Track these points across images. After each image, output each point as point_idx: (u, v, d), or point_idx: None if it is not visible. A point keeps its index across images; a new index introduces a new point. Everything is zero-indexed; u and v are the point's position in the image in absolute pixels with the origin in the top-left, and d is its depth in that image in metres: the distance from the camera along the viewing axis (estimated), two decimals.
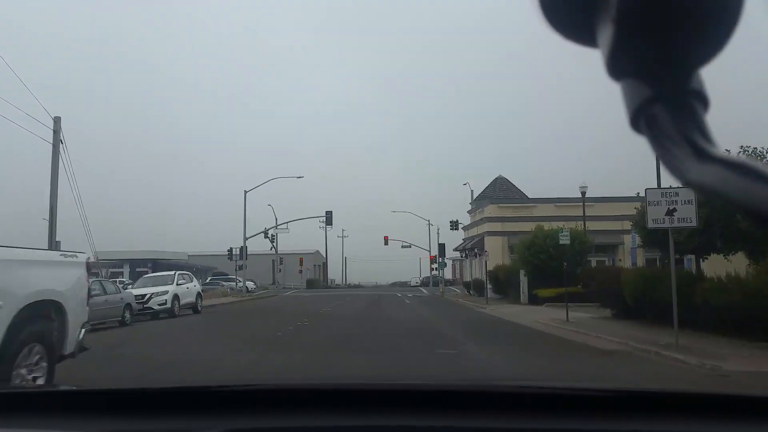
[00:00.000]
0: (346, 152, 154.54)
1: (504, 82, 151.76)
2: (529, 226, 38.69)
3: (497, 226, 40.72)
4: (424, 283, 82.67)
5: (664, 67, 0.53)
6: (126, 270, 73.29)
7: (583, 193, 31.48)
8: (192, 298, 24.85)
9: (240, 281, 52.41)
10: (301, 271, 76.49)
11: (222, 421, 1.60)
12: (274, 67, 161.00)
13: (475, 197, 50.57)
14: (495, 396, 1.71)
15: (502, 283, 34.15)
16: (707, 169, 0.50)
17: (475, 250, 45.04)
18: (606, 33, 0.53)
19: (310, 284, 79.37)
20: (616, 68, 0.55)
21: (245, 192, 52.92)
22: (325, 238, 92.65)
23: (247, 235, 53.01)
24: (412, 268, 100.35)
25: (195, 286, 25.43)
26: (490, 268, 37.05)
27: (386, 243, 74.70)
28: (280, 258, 74.22)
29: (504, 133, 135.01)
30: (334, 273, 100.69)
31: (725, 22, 0.51)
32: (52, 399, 1.92)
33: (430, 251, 72.53)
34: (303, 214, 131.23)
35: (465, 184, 53.98)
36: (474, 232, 46.03)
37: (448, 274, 75.30)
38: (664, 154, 0.53)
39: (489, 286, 37.59)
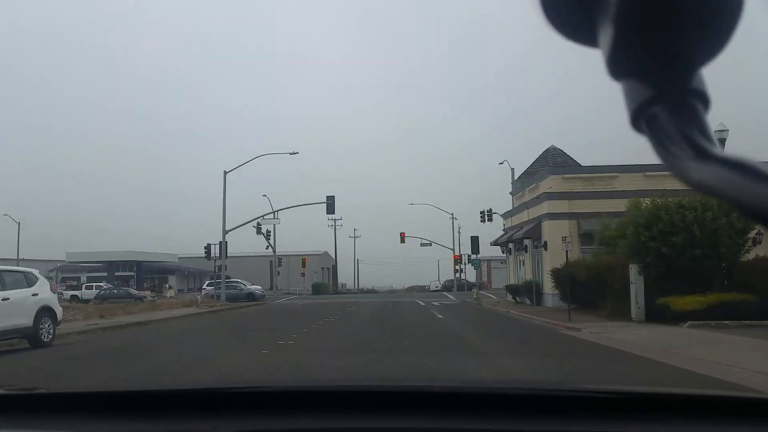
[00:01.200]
0: (357, 152, 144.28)
1: (506, 82, 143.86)
2: (607, 206, 26.97)
3: (562, 206, 28.75)
4: (446, 287, 71.03)
5: (664, 66, 0.52)
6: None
7: (723, 140, 19.52)
8: (25, 320, 13.23)
9: (215, 285, 40.97)
10: (303, 274, 64.79)
11: (227, 423, 1.59)
12: (275, 67, 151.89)
13: (518, 176, 38.84)
14: (496, 398, 1.70)
15: (583, 287, 22.23)
16: (708, 169, 0.49)
17: (525, 243, 33.15)
18: (606, 32, 0.52)
19: (317, 289, 67.85)
20: (616, 68, 0.54)
21: (225, 172, 41.70)
22: (334, 236, 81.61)
23: (227, 228, 41.50)
24: (431, 270, 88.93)
25: (36, 294, 13.54)
26: (556, 264, 25.36)
27: (402, 240, 63.51)
28: (279, 259, 63.11)
29: (510, 133, 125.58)
30: (345, 277, 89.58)
31: (726, 21, 0.50)
32: (54, 400, 1.85)
33: (453, 250, 61.08)
34: (312, 215, 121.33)
35: (501, 163, 42.55)
36: (523, 217, 34.03)
37: (472, 276, 63.70)
38: (665, 154, 0.52)
39: (556, 291, 25.88)
